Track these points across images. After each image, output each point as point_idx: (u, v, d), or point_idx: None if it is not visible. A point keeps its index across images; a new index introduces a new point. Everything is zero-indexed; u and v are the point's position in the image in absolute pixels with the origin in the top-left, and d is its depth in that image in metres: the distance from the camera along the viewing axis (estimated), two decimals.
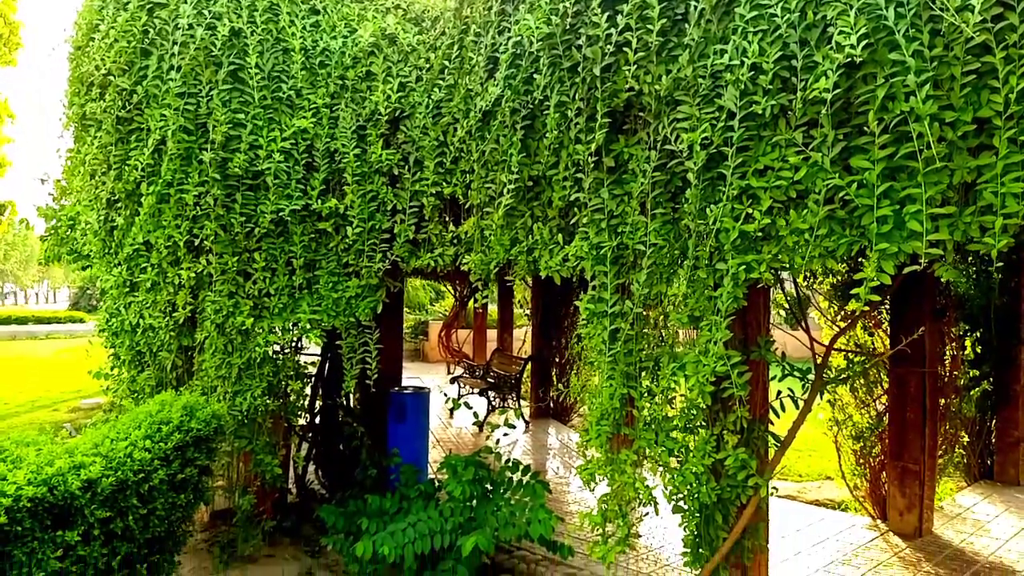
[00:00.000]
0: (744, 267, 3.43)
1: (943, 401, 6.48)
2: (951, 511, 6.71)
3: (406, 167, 4.90)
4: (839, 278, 6.71)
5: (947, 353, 6.73)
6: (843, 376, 4.23)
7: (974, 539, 5.99)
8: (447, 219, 4.95)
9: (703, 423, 4.05)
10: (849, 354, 5.64)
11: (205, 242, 5.05)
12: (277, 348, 5.32)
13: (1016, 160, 2.73)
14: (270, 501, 5.75)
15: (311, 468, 6.64)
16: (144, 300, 5.29)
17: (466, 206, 4.76)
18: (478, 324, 17.84)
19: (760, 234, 3.41)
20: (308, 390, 6.30)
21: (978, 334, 7.13)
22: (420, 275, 17.33)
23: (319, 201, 4.94)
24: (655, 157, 3.75)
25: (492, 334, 17.53)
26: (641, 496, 3.98)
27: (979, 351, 7.12)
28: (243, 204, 5.02)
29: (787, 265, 3.37)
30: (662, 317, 3.98)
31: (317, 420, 6.57)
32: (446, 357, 17.22)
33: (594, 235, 4.04)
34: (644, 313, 4.00)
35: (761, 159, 3.35)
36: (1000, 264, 6.87)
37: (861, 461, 6.55)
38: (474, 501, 5.17)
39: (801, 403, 4.04)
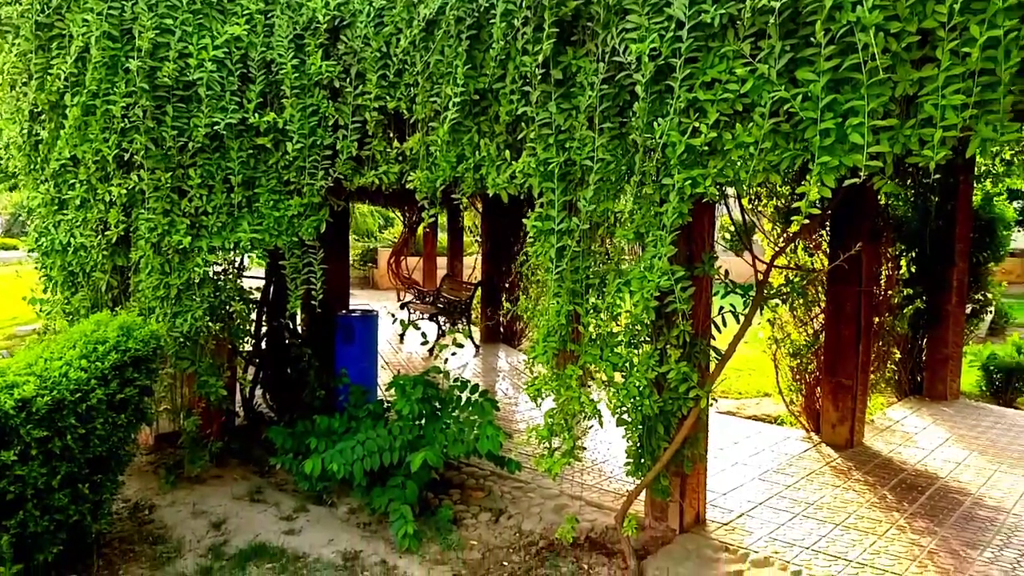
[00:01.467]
0: (690, 182, 3.43)
1: (877, 319, 6.72)
2: (881, 424, 7.05)
3: (347, 80, 4.71)
4: (782, 201, 6.81)
5: (883, 273, 6.93)
6: (783, 292, 4.32)
7: (902, 449, 6.32)
8: (391, 135, 4.81)
9: (647, 338, 4.12)
10: (789, 272, 5.76)
11: (136, 157, 4.82)
12: (218, 269, 5.18)
13: (957, 72, 2.74)
14: (217, 424, 5.70)
15: (259, 392, 6.60)
16: (74, 218, 5.06)
17: (411, 121, 4.62)
18: (428, 251, 17.72)
19: (706, 148, 3.40)
20: (254, 314, 6.20)
21: (913, 254, 7.37)
22: (368, 199, 17.01)
23: (256, 115, 4.73)
24: (603, 69, 3.67)
25: (442, 262, 17.46)
26: (586, 410, 4.06)
27: (913, 271, 7.38)
28: (175, 117, 4.78)
29: (732, 180, 3.38)
30: (608, 234, 3.98)
31: (264, 343, 6.49)
32: (396, 284, 17.11)
33: (541, 151, 3.98)
34: (591, 230, 3.99)
35: (709, 71, 3.31)
36: (937, 176, 7.05)
37: (797, 377, 6.80)
38: (423, 420, 5.22)
39: (742, 319, 4.13)
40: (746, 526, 4.69)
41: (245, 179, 4.88)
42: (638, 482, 4.29)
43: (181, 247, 4.84)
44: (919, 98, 2.87)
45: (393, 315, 12.95)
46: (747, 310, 4.12)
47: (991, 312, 8.46)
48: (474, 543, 4.67)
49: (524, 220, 4.13)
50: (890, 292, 6.81)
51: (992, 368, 8.32)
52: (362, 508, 5.00)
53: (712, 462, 5.48)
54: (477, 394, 5.28)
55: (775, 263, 4.39)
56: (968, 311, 8.19)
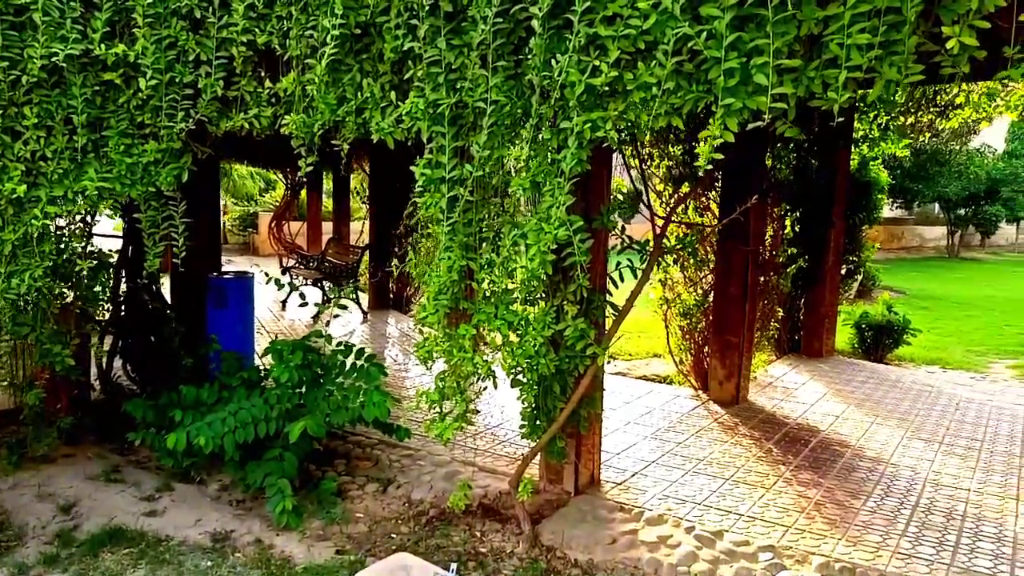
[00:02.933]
0: (589, 125, 3.21)
1: (762, 278, 6.85)
2: (764, 380, 7.24)
3: (211, 10, 4.19)
4: (674, 162, 6.77)
5: (768, 233, 7.06)
6: (679, 246, 4.22)
7: (784, 404, 6.49)
8: (263, 74, 4.34)
9: (543, 294, 3.92)
10: (682, 230, 5.73)
11: None
12: (62, 223, 4.57)
13: (863, 10, 2.64)
14: (66, 398, 5.10)
15: (119, 363, 5.98)
16: None
17: (284, 58, 4.17)
18: (312, 215, 16.95)
19: (607, 89, 3.19)
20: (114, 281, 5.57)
21: (798, 214, 7.55)
22: (246, 158, 16.04)
23: (103, 46, 4.14)
24: (497, 2, 3.37)
25: (329, 227, 16.74)
26: (480, 371, 3.82)
27: (797, 230, 7.58)
28: (5, 47, 4.12)
29: (633, 123, 3.19)
30: (503, 184, 3.73)
31: (123, 308, 5.87)
32: (278, 249, 16.29)
33: (430, 91, 3.66)
34: (485, 179, 3.73)
35: (610, 5, 3.08)
36: (839, 123, 7.20)
37: (687, 337, 6.85)
38: (303, 387, 4.85)
39: (640, 273, 3.99)
40: (640, 485, 4.63)
41: (90, 120, 4.28)
42: (533, 445, 4.12)
43: (15, 197, 4.21)
44: (824, 38, 2.76)
45: (278, 280, 12.27)
46: (644, 266, 3.99)
47: (863, 273, 8.87)
48: (360, 516, 4.38)
49: (414, 173, 3.81)
50: (775, 252, 6.96)
51: (864, 326, 8.73)
52: (236, 484, 4.59)
53: (605, 423, 5.41)
54: (363, 359, 4.95)
55: (671, 218, 4.28)
56: (843, 272, 8.55)
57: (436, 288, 3.89)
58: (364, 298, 11.18)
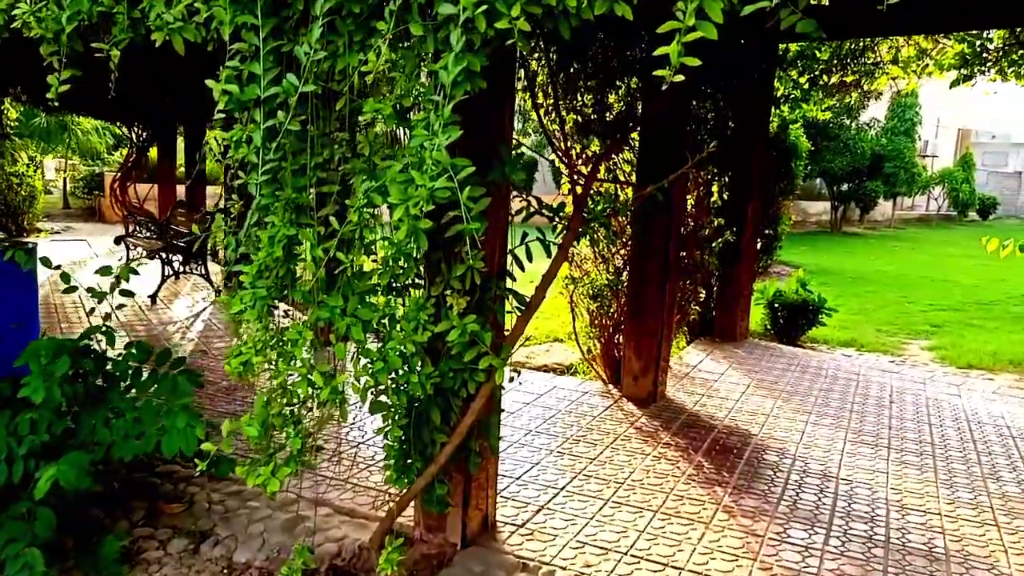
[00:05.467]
0: (485, 10, 1.99)
1: (683, 254, 5.87)
2: (679, 370, 6.31)
3: None
4: (581, 118, 5.65)
5: (690, 201, 6.07)
6: (608, 210, 3.05)
7: (706, 401, 5.57)
8: None
9: (416, 280, 2.70)
10: (604, 190, 4.64)
11: None
12: None
13: None
14: None
15: None
16: None
17: None
18: (163, 176, 14.81)
19: None
20: None
21: (726, 179, 6.60)
22: (90, 111, 13.76)
23: None
24: None
25: (183, 190, 14.71)
26: (320, 393, 2.57)
27: (726, 198, 6.65)
28: None
29: (554, 7, 1.99)
30: (352, 110, 2.46)
31: None
32: (122, 213, 14.18)
33: None
34: (324, 102, 2.44)
35: None
36: (759, 77, 6.27)
37: (596, 322, 5.81)
38: (78, 406, 3.42)
39: (554, 249, 2.83)
40: (549, 526, 3.52)
41: None
42: (402, 493, 2.91)
43: None
44: None
45: (125, 253, 10.37)
46: (561, 239, 2.83)
47: (780, 248, 8.14)
48: None
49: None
50: (701, 223, 6.00)
51: (777, 306, 8.03)
52: None
53: (501, 430, 4.28)
54: (168, 364, 3.57)
55: (595, 176, 3.13)
56: (757, 246, 7.76)
57: (254, 269, 2.59)
58: (217, 274, 9.55)
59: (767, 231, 7.75)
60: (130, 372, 3.54)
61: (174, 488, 3.83)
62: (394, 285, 2.60)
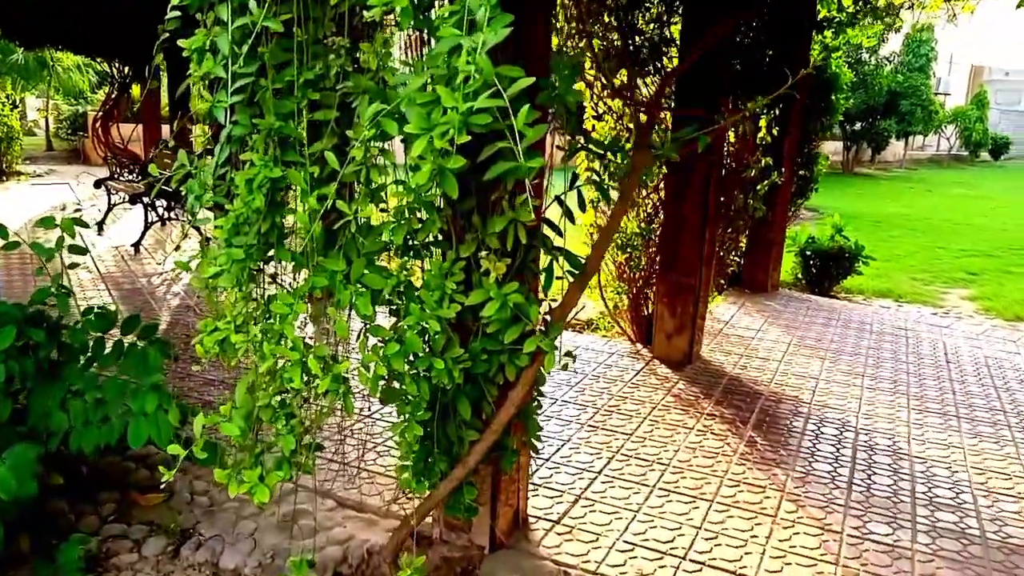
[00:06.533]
0: None
1: (722, 199, 5.24)
2: (711, 327, 5.75)
3: None
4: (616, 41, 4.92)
5: (731, 137, 5.37)
6: (687, 138, 2.37)
7: (746, 363, 5.03)
8: None
9: (440, 237, 2.10)
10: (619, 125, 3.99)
11: None
12: None
13: None
14: None
15: None
16: None
17: None
18: (149, 115, 13.98)
19: None
20: None
21: (776, 112, 5.88)
22: (70, 45, 12.84)
23: None
24: None
25: (168, 130, 13.90)
26: (318, 382, 1.99)
27: (775, 134, 5.96)
28: None
29: None
30: (349, 5, 1.81)
31: None
32: (106, 155, 13.42)
33: None
34: None
35: None
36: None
37: (624, 276, 5.22)
38: (27, 384, 2.84)
39: (614, 200, 2.22)
40: (589, 521, 3.00)
41: None
42: (422, 498, 2.37)
43: None
44: None
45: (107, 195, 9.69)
46: (624, 182, 2.22)
47: (815, 191, 7.51)
48: None
49: None
50: (747, 161, 5.34)
51: (810, 254, 7.43)
52: None
53: None
54: (137, 332, 2.99)
55: (660, 102, 2.49)
56: (792, 190, 7.11)
57: (229, 223, 1.99)
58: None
59: (801, 172, 7.09)
60: (90, 344, 2.95)
61: (150, 475, 3.29)
62: (412, 244, 2.00)
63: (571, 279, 2.16)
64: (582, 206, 2.23)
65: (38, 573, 2.64)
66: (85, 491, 3.14)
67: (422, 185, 1.69)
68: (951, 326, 6.44)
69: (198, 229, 8.12)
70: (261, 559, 2.78)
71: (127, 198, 8.70)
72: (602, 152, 2.39)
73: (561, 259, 2.11)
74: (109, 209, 9.37)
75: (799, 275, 7.61)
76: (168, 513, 3.04)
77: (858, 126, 23.45)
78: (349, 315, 2.11)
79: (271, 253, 2.05)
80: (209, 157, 2.19)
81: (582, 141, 2.39)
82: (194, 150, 2.22)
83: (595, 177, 2.31)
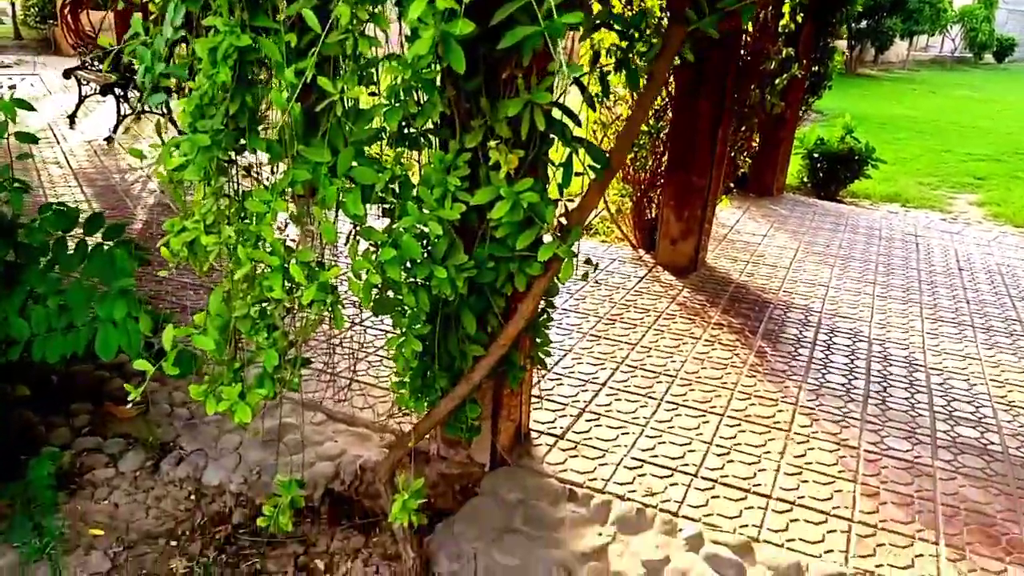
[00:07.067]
0: None
1: (736, 94, 4.86)
2: (717, 232, 5.49)
3: None
4: None
5: (753, 20, 4.93)
6: (731, 6, 2.03)
7: (753, 269, 4.81)
8: None
9: (439, 122, 1.81)
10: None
11: None
12: None
13: None
14: None
15: None
16: None
17: None
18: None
19: None
20: None
21: None
22: None
23: None
24: None
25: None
26: (303, 291, 1.74)
27: (799, 21, 5.53)
28: None
29: None
30: None
31: None
32: (76, 44, 12.64)
33: None
34: None
35: None
36: None
37: (628, 176, 4.91)
38: None
39: (643, 81, 1.92)
40: (594, 436, 2.84)
41: None
42: (419, 417, 2.17)
43: None
44: None
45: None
46: (651, 60, 1.91)
47: (829, 88, 7.10)
48: (97, 533, 2.37)
49: None
50: (766, 52, 4.93)
51: (817, 156, 7.11)
52: None
53: None
54: (102, 232, 2.71)
55: None
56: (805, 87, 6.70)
57: (192, 105, 1.69)
58: None
59: (815, 68, 6.67)
60: (51, 244, 2.67)
61: (126, 383, 3.07)
62: (408, 131, 1.71)
63: (591, 176, 1.88)
64: (605, 91, 1.93)
65: (7, 491, 2.46)
66: (56, 402, 2.94)
67: (421, 57, 1.40)
68: (961, 232, 6.22)
69: (172, 121, 7.59)
70: (247, 475, 2.61)
71: (98, 89, 8.16)
72: (627, 28, 2.07)
73: (582, 152, 1.82)
74: (80, 101, 8.83)
75: (804, 179, 7.32)
76: (146, 426, 2.85)
77: (864, 24, 22.50)
78: (337, 215, 1.84)
79: (243, 141, 1.75)
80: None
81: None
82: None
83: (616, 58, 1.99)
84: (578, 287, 4.29)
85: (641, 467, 2.67)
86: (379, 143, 1.72)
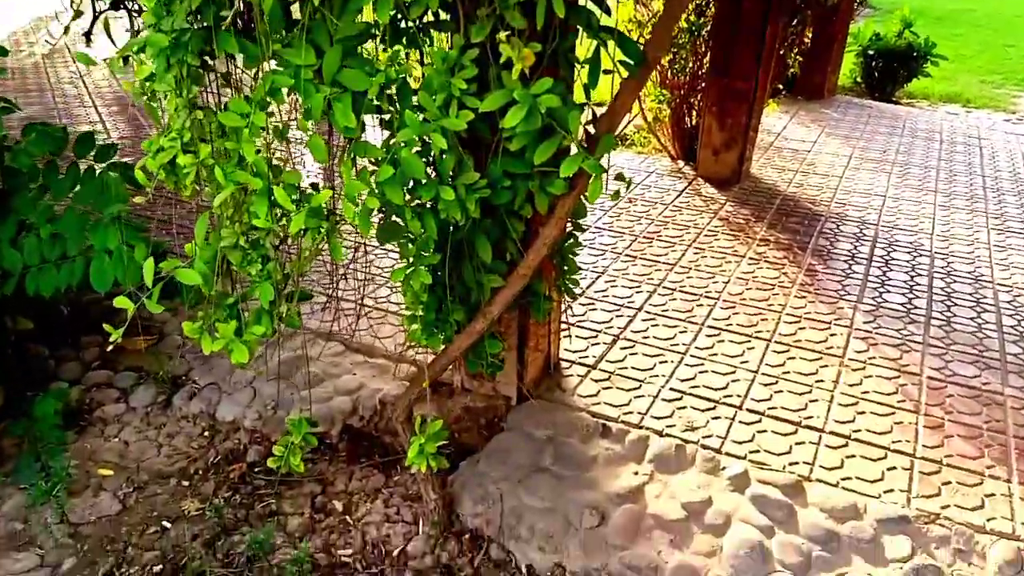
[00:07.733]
0: None
1: None
2: (762, 140, 5.12)
3: None
4: None
5: None
6: None
7: (802, 180, 4.47)
8: None
9: (440, 12, 1.53)
10: None
11: None
12: None
13: None
14: None
15: None
16: None
17: None
18: None
19: None
20: None
21: None
22: None
23: None
24: None
25: None
26: (292, 220, 1.52)
27: None
28: None
29: None
30: None
31: None
32: None
33: None
34: None
35: None
36: None
37: (667, 81, 4.54)
38: None
39: None
40: (628, 366, 2.64)
41: None
42: (436, 353, 1.98)
43: None
44: None
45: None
46: None
47: None
48: (108, 472, 2.27)
49: None
50: None
51: (873, 53, 6.56)
52: None
53: None
54: (94, 153, 2.51)
55: None
56: None
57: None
58: None
59: None
60: (40, 169, 2.48)
61: (138, 314, 2.94)
62: (405, 26, 1.44)
63: (623, 75, 1.59)
64: None
65: (10, 430, 2.36)
66: (65, 334, 2.82)
67: None
68: None
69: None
70: (261, 410, 2.47)
71: (111, 2, 7.83)
72: None
73: (612, 45, 1.54)
74: (96, 17, 8.53)
75: (858, 78, 6.79)
76: (157, 359, 2.72)
77: None
78: (330, 132, 1.61)
79: (212, 45, 1.50)
80: None
81: None
82: None
83: None
84: (611, 204, 4.01)
85: (680, 399, 2.47)
86: (372, 41, 1.46)
